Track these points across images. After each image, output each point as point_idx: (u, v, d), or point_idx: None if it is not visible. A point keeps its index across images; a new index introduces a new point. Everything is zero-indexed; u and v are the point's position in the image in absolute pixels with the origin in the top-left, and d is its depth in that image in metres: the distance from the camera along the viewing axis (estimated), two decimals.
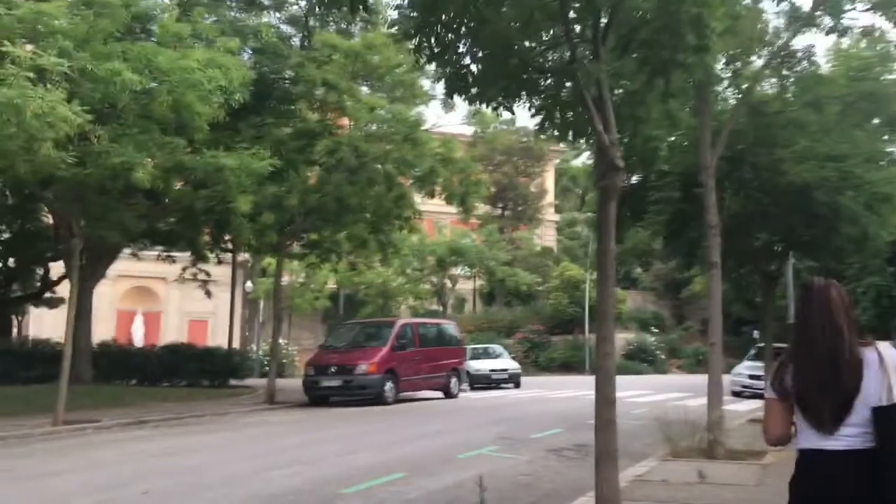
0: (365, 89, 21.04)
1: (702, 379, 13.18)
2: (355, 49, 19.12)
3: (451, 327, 24.45)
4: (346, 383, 19.57)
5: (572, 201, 68.95)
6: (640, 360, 45.83)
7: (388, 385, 19.82)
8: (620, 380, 25.75)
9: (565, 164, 64.94)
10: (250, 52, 19.78)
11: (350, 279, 34.03)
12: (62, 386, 14.96)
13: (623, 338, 47.42)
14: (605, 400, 6.14)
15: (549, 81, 6.99)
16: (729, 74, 12.84)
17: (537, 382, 33.11)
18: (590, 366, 44.23)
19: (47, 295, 29.06)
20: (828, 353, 3.04)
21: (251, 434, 14.58)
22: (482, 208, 54.80)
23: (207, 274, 29.27)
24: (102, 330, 45.16)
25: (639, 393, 24.70)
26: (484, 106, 7.43)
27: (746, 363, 25.47)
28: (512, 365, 29.69)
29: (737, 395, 24.28)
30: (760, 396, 21.72)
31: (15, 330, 32.60)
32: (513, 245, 49.88)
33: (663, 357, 46.44)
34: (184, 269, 29.24)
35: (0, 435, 13.50)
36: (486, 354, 30.90)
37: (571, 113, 7.05)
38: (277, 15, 24.16)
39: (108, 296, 50.89)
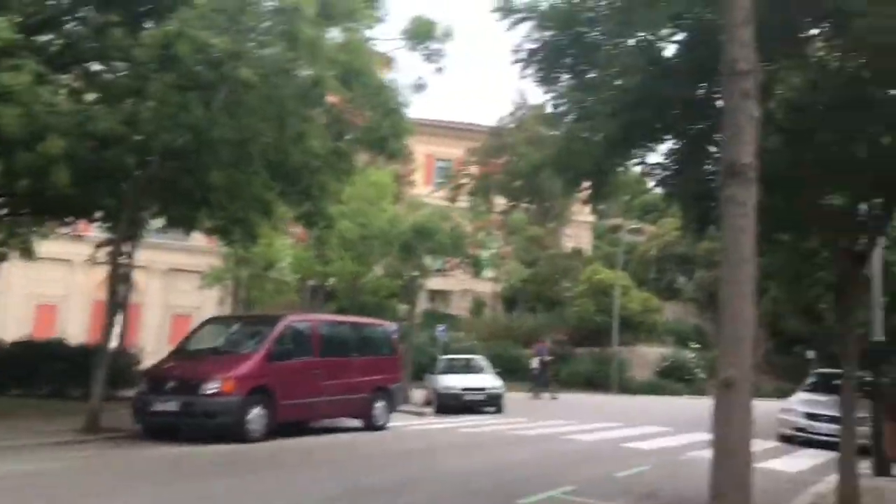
0: None
1: None
2: None
3: (382, 329, 17.52)
4: (187, 408, 12.80)
5: (615, 206, 61.87)
6: (675, 378, 40.19)
7: (256, 412, 13.05)
8: (642, 402, 18.05)
9: None
10: None
11: (311, 268, 27.55)
12: None
13: (658, 352, 41.78)
14: None
15: None
16: None
17: (533, 405, 26.24)
18: (619, 383, 37.74)
19: None
20: None
21: None
22: (501, 203, 48.23)
23: (129, 255, 23.20)
24: (74, 328, 39.36)
25: (651, 431, 17.83)
26: None
27: (802, 396, 18.24)
28: (492, 383, 22.80)
29: (787, 440, 17.19)
30: (824, 445, 14.62)
31: None
32: (530, 241, 43.37)
33: (703, 377, 40.01)
34: (97, 246, 23.07)
35: None
36: (467, 368, 24.13)
37: None
38: None
39: (83, 285, 45.20)
